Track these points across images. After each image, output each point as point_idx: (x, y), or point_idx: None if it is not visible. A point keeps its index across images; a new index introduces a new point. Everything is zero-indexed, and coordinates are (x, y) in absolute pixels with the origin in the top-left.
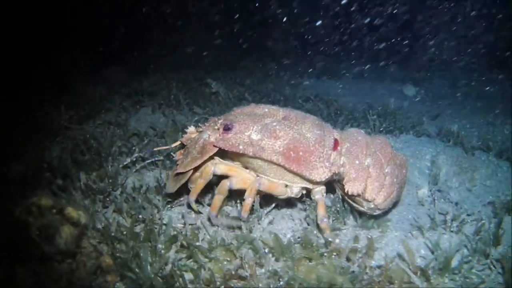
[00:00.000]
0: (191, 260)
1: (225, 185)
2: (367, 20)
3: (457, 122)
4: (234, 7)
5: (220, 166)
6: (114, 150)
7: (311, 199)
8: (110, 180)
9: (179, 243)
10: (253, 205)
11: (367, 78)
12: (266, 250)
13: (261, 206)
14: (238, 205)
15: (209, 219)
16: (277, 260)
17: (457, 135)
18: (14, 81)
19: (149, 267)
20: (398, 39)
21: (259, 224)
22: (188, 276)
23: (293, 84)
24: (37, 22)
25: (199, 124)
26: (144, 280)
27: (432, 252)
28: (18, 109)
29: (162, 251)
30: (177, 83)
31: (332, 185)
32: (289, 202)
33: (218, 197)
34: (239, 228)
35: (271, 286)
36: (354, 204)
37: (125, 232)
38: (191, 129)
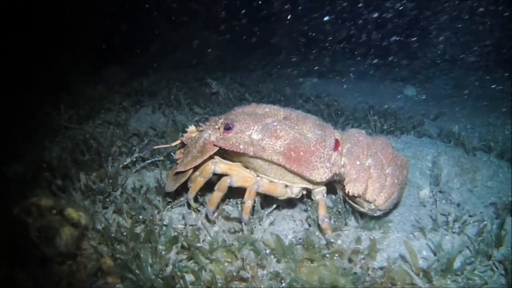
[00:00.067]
0: (192, 261)
1: (225, 182)
2: (368, 20)
3: (458, 123)
4: (234, 7)
5: (220, 165)
6: (114, 150)
7: (312, 200)
8: (110, 181)
9: (180, 244)
10: (253, 206)
11: (368, 79)
12: (268, 251)
13: (262, 207)
14: (239, 205)
15: (206, 216)
16: (278, 261)
17: (458, 136)
18: (14, 81)
19: (149, 268)
20: (399, 39)
21: (260, 225)
22: (189, 277)
23: (294, 84)
24: (37, 22)
25: (199, 123)
26: (144, 282)
27: (434, 254)
28: (18, 109)
29: (163, 252)
30: (177, 83)
31: (333, 185)
32: (290, 203)
33: (217, 194)
34: (240, 229)
35: None
36: (355, 205)
37: (125, 233)
38: (192, 128)
